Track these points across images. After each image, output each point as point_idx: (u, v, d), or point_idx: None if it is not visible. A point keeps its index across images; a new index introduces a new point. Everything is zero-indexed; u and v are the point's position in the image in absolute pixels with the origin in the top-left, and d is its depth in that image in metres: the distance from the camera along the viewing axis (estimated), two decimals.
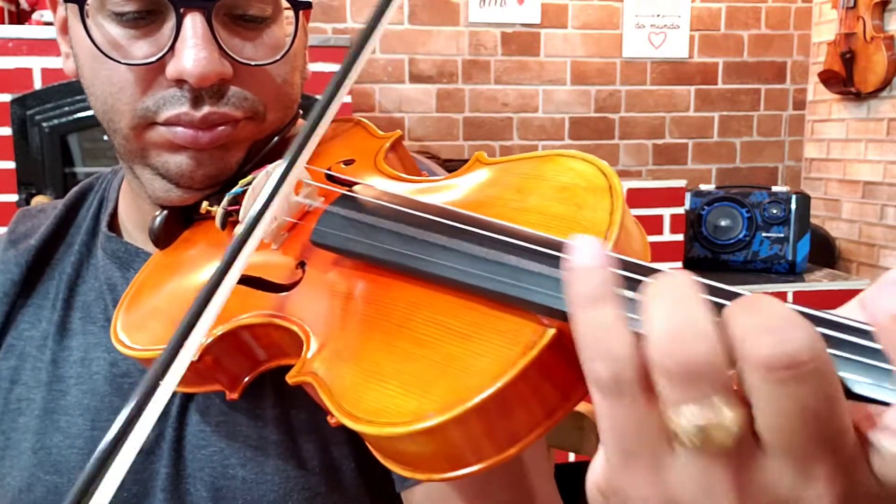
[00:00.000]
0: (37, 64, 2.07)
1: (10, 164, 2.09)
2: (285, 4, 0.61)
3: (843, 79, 3.08)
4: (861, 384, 0.29)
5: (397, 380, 0.41)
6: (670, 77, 3.32)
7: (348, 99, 2.32)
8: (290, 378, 0.47)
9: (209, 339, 0.52)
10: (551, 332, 0.39)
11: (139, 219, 0.69)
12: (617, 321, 0.30)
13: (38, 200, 2.08)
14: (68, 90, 2.08)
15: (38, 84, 2.08)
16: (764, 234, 2.70)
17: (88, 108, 2.06)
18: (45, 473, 0.63)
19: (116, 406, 0.63)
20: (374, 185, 0.56)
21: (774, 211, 2.68)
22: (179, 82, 0.56)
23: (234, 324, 0.52)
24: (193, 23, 0.54)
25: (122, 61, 0.56)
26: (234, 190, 0.58)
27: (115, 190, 0.73)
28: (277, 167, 0.55)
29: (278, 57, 0.60)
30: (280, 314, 0.51)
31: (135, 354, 0.56)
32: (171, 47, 0.55)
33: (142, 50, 0.56)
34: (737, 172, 3.45)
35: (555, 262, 0.39)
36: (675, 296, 0.29)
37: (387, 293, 0.47)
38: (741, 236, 2.72)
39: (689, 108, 3.36)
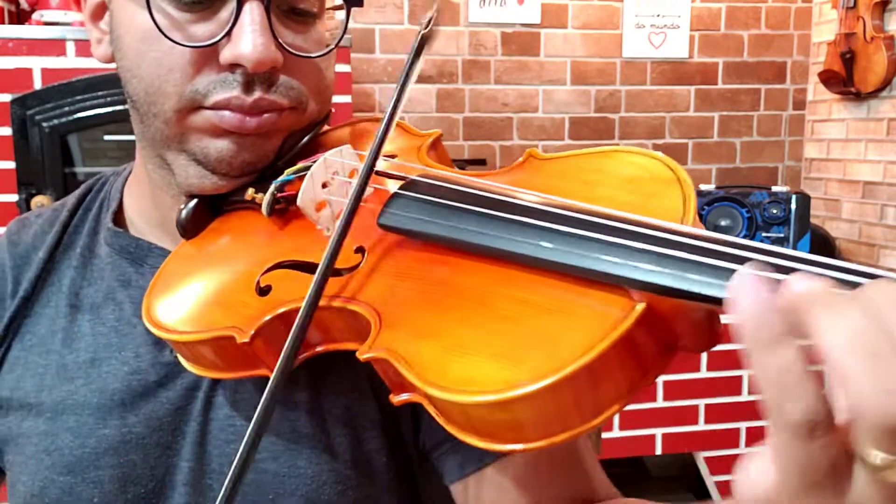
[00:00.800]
0: (37, 64, 2.07)
1: (10, 164, 2.09)
2: (329, 3, 0.63)
3: (843, 79, 3.08)
4: None
5: (485, 353, 0.42)
6: (670, 77, 3.32)
7: (349, 99, 2.32)
8: (361, 354, 0.47)
9: (264, 320, 0.52)
10: (641, 305, 0.39)
11: (155, 213, 0.69)
12: (797, 363, 0.29)
13: (38, 200, 2.08)
14: (68, 90, 2.08)
15: (38, 84, 2.07)
16: (764, 234, 2.70)
17: (88, 108, 2.10)
18: (59, 475, 0.62)
19: (128, 402, 0.63)
20: (434, 172, 0.56)
21: (774, 211, 2.68)
22: (233, 67, 0.57)
23: (290, 307, 0.52)
24: (252, 10, 0.56)
25: (183, 43, 0.57)
26: (283, 177, 0.59)
27: (118, 189, 0.73)
28: (335, 153, 0.58)
29: (329, 49, 0.62)
30: (339, 297, 0.51)
31: (175, 338, 0.56)
32: (228, 32, 0.56)
33: (199, 33, 0.57)
34: (737, 172, 3.45)
35: (641, 237, 0.40)
36: (875, 348, 0.28)
37: (460, 273, 0.47)
38: (741, 236, 2.72)
39: (689, 108, 3.36)
